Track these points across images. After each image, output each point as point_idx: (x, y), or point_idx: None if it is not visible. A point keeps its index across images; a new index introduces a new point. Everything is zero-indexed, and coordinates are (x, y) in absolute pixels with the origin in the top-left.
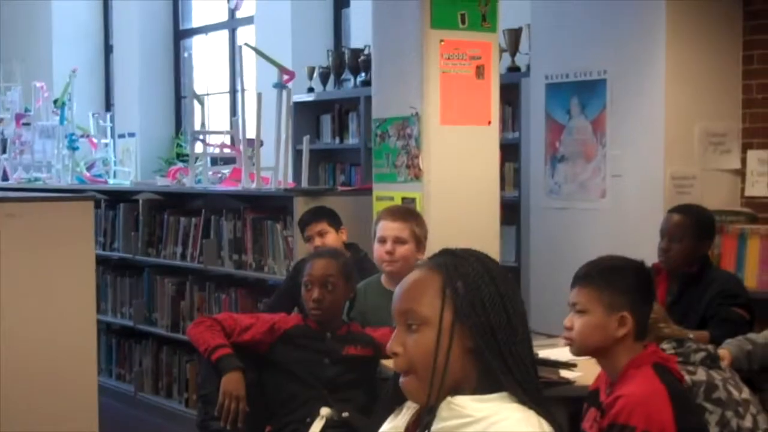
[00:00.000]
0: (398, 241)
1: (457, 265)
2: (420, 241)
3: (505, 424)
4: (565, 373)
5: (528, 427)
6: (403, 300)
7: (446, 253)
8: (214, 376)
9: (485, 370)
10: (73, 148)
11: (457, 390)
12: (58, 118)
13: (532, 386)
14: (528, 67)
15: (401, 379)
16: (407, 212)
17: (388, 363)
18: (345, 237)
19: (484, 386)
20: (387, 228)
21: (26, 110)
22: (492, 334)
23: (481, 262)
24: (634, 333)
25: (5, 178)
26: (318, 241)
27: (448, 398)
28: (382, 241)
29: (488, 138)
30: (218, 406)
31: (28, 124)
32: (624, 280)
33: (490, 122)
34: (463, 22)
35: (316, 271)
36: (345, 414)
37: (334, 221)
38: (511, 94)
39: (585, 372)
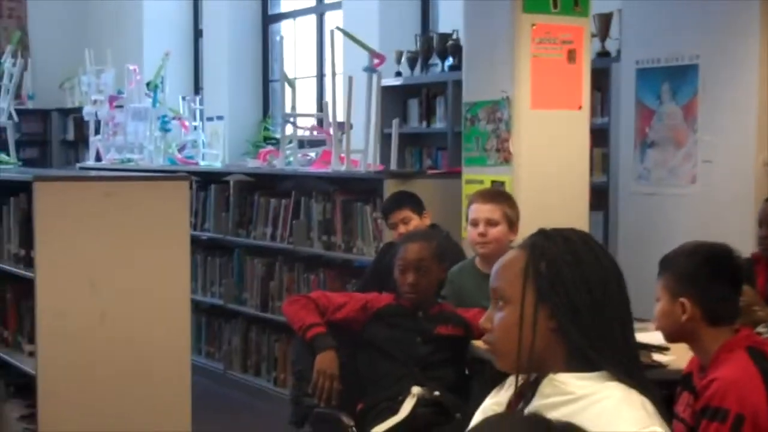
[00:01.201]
0: (490, 222)
1: (544, 245)
2: (512, 223)
3: (607, 403)
4: (657, 357)
5: (630, 407)
6: (493, 278)
7: (539, 234)
8: (308, 354)
9: (573, 349)
10: (165, 130)
11: (546, 367)
12: (150, 100)
13: (632, 366)
14: (618, 52)
15: (492, 354)
16: (499, 194)
17: (479, 343)
18: (428, 221)
19: (574, 365)
20: (479, 210)
21: (119, 93)
22: (575, 315)
23: (568, 242)
24: (705, 318)
25: (98, 158)
26: (402, 228)
27: (551, 375)
28: (475, 223)
29: (578, 123)
30: (312, 384)
31: (121, 106)
32: (684, 265)
33: (580, 107)
34: (555, 6)
35: (410, 255)
36: (436, 393)
37: (417, 207)
38: (600, 79)
39: (678, 356)
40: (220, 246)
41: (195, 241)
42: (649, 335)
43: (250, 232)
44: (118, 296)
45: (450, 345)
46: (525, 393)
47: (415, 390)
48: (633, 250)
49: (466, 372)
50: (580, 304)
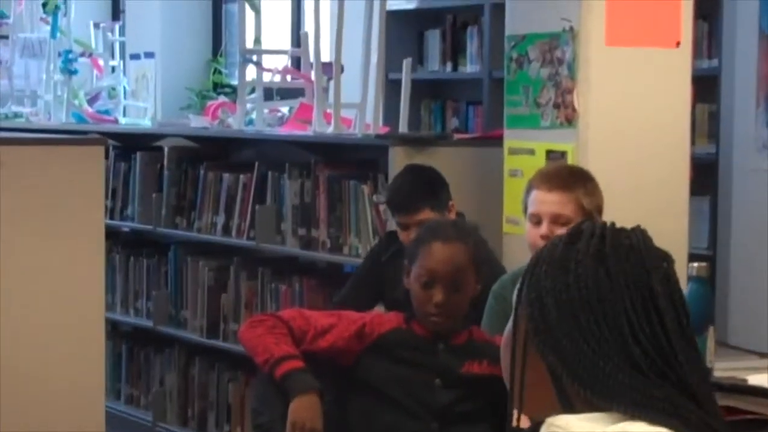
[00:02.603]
0: (559, 220)
1: (543, 248)
2: (591, 217)
3: None
4: None
5: None
6: None
7: (570, 231)
8: (276, 399)
9: (563, 385)
10: (69, 72)
11: (545, 411)
12: (48, 28)
13: (669, 403)
14: None
15: None
16: (571, 176)
17: None
18: (454, 214)
19: (575, 407)
20: (541, 201)
21: (1, 17)
22: (557, 344)
23: (563, 247)
24: None
25: None
26: (417, 230)
27: (548, 420)
28: (536, 219)
29: (675, 66)
30: None
31: (5, 36)
32: None
33: (678, 43)
34: None
35: (442, 263)
36: None
37: (439, 202)
38: (708, 4)
39: None
40: (148, 242)
41: (112, 235)
42: None
43: (192, 223)
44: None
45: (485, 389)
46: None
47: None
48: (753, 252)
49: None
50: (561, 330)
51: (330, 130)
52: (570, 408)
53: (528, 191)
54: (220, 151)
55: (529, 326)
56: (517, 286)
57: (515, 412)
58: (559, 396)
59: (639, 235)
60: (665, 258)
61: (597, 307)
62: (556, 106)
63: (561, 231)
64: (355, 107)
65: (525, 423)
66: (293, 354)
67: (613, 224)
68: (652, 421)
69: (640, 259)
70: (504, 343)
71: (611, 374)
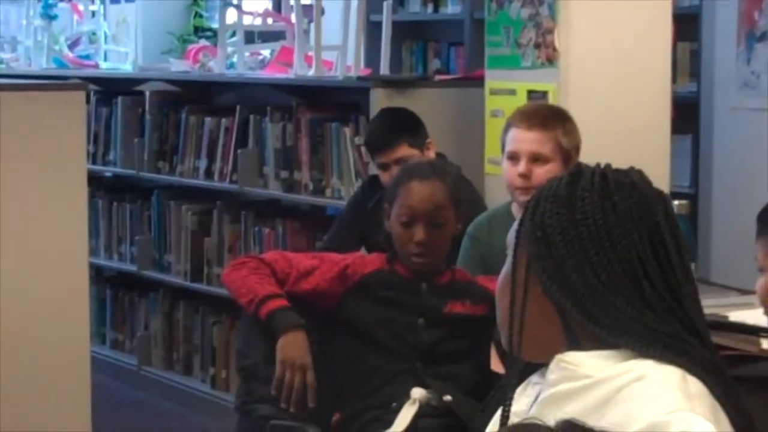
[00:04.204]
0: (537, 158)
1: (549, 188)
2: (569, 157)
3: (637, 387)
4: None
5: (662, 386)
6: None
7: (570, 172)
8: (261, 340)
9: (570, 322)
10: (48, 17)
11: (550, 350)
12: None
13: (674, 339)
14: None
15: None
16: (550, 115)
17: None
18: (433, 153)
19: (582, 344)
20: (520, 140)
21: None
22: (564, 279)
23: (584, 183)
24: None
25: None
26: (397, 171)
27: (557, 356)
28: (513, 157)
29: (655, 5)
30: (276, 381)
31: None
32: None
33: None
34: None
35: (421, 201)
36: (447, 397)
37: (417, 137)
38: None
39: None
40: (131, 187)
41: (95, 180)
42: (756, 313)
43: (174, 167)
44: None
45: (466, 329)
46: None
47: (417, 393)
48: (734, 190)
49: (491, 367)
50: (569, 265)
51: (311, 72)
52: (576, 344)
53: (506, 130)
54: (201, 95)
55: (535, 264)
56: (513, 227)
57: (513, 352)
58: (565, 333)
59: (637, 174)
60: (663, 195)
61: (606, 241)
62: (537, 46)
63: (539, 170)
64: (336, 49)
65: (497, 367)
66: (277, 293)
67: (608, 165)
68: (661, 359)
69: (642, 195)
70: (501, 285)
71: (621, 308)
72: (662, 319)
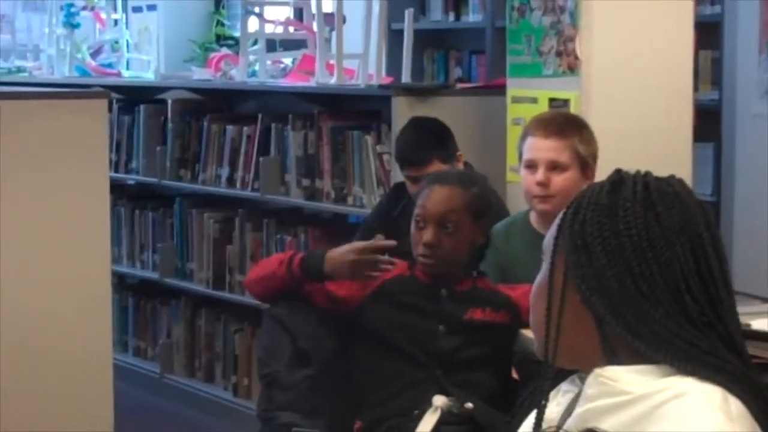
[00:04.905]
0: (554, 166)
1: (589, 196)
2: (587, 165)
3: (676, 405)
4: None
5: (703, 407)
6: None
7: (610, 178)
8: (282, 345)
9: (607, 333)
10: (71, 26)
11: (586, 359)
12: None
13: (715, 356)
14: None
15: None
16: (567, 123)
17: (529, 333)
18: (461, 164)
19: (620, 356)
20: (537, 148)
21: None
22: (603, 289)
23: (626, 192)
24: None
25: None
26: None
27: (596, 370)
28: (531, 166)
29: (677, 13)
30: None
31: None
32: None
33: None
34: None
35: (434, 203)
36: (468, 405)
37: (447, 153)
38: None
39: None
40: (153, 195)
41: (117, 188)
42: None
43: (197, 175)
44: (6, 266)
45: (488, 336)
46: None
47: (438, 401)
48: (757, 198)
49: (513, 375)
50: (610, 275)
51: (333, 80)
52: (613, 356)
53: (523, 138)
54: (223, 103)
55: (575, 273)
56: (550, 233)
57: (548, 359)
58: (602, 344)
59: (679, 183)
60: (704, 206)
61: (649, 252)
62: (559, 54)
63: (557, 178)
64: (357, 58)
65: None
66: (297, 253)
67: (649, 173)
68: (700, 376)
69: (684, 206)
70: (537, 291)
71: (661, 321)
72: (702, 334)
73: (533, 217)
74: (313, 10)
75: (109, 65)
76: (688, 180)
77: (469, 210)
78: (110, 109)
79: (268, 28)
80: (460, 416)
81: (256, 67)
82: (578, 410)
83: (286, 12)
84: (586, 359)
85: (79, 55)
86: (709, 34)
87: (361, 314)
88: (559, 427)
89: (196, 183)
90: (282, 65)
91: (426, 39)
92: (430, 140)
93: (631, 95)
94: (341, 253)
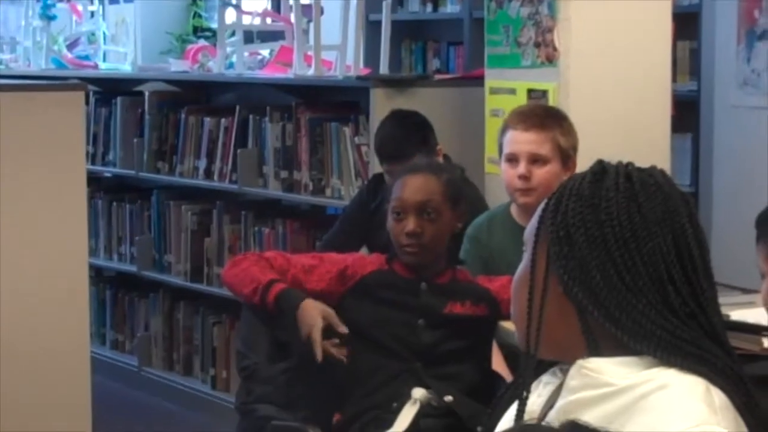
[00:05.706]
0: (535, 159)
1: (570, 186)
2: (568, 157)
3: (660, 396)
4: None
5: (686, 398)
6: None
7: (591, 168)
8: (261, 338)
9: (590, 324)
10: (47, 18)
11: (568, 351)
12: None
13: (695, 346)
14: None
15: None
16: (547, 116)
17: (509, 326)
18: (441, 157)
19: (602, 348)
20: (518, 141)
21: None
22: (586, 279)
23: (608, 182)
24: None
25: None
26: None
27: (579, 361)
28: (512, 159)
29: (655, 3)
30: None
31: None
32: None
33: None
34: None
35: (411, 192)
36: (448, 398)
37: (429, 147)
38: None
39: None
40: (130, 187)
41: (94, 180)
42: (758, 312)
43: (174, 167)
44: None
45: (467, 329)
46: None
47: (417, 394)
48: (734, 188)
49: (491, 368)
50: (593, 266)
51: (310, 72)
52: (595, 347)
53: (503, 131)
54: (200, 95)
55: (557, 263)
56: (531, 224)
57: (530, 350)
58: (584, 334)
59: (660, 174)
60: (686, 197)
61: (631, 243)
62: (537, 45)
63: (538, 171)
64: (335, 49)
65: (498, 367)
66: (279, 279)
67: (631, 163)
68: (683, 368)
69: (666, 196)
70: (519, 282)
71: (644, 311)
72: (685, 325)
73: (514, 210)
74: (291, 1)
75: (86, 57)
76: (667, 171)
77: (446, 195)
78: (87, 102)
79: (246, 20)
80: (439, 409)
81: (234, 59)
82: (560, 402)
83: (264, 3)
84: (568, 350)
85: (56, 47)
86: (687, 24)
87: (341, 309)
88: (540, 419)
89: (173, 175)
90: (259, 57)
91: (404, 30)
92: (412, 135)
93: (610, 86)
94: (312, 316)
